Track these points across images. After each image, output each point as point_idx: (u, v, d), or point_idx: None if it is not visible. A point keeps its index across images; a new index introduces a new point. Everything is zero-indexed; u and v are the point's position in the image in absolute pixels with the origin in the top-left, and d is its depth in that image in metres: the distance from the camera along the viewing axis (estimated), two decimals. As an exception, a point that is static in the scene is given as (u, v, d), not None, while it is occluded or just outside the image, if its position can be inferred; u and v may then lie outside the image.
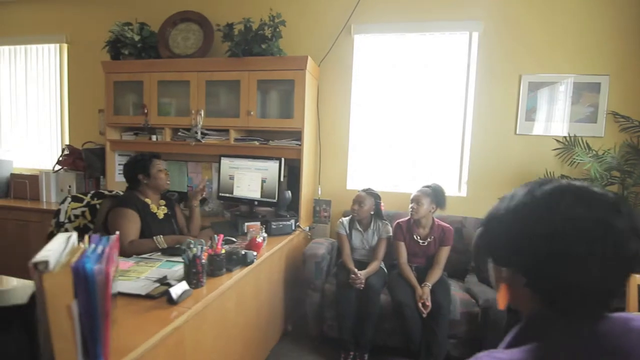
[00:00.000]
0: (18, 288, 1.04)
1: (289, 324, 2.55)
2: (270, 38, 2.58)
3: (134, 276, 1.43)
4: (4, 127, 3.74)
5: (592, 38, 2.54)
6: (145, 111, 2.85)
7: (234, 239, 2.11)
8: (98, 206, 2.16)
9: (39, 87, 3.59)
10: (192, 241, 1.45)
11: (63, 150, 3.25)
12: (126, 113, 3.01)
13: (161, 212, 2.07)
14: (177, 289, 1.29)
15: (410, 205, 2.31)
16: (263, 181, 2.48)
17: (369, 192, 2.44)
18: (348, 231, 2.49)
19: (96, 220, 2.13)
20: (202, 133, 2.76)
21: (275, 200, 2.43)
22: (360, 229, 2.47)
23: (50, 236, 1.92)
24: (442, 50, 2.79)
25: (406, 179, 2.91)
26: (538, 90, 2.64)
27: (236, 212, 2.65)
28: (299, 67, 2.55)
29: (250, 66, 2.62)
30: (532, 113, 2.67)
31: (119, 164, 3.14)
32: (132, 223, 1.85)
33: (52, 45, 3.51)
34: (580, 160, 2.43)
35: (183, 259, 1.43)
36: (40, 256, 0.76)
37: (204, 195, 2.34)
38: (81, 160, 3.18)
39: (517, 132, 2.70)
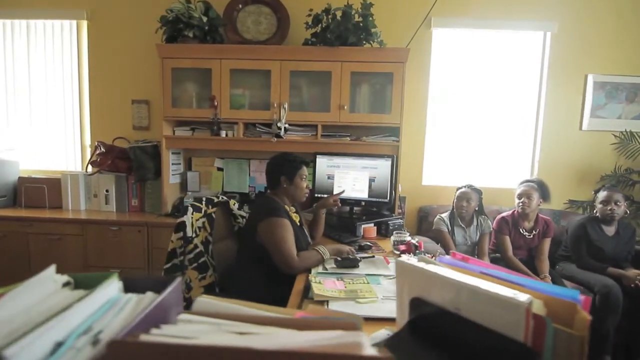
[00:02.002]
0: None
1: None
2: (364, 27, 2.42)
3: (370, 296, 1.26)
4: (5, 121, 3.03)
5: (647, 43, 2.81)
6: (215, 103, 2.52)
7: (368, 243, 1.97)
8: (214, 215, 1.87)
9: (49, 71, 2.96)
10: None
11: (95, 148, 2.74)
12: (186, 105, 2.63)
13: (296, 219, 1.86)
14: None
15: (521, 200, 2.37)
16: (371, 180, 2.35)
17: (474, 189, 2.46)
18: (450, 227, 2.48)
19: (214, 233, 1.84)
20: (284, 129, 2.52)
21: (387, 200, 2.32)
22: (462, 225, 2.48)
23: (172, 255, 1.63)
24: (517, 48, 2.87)
25: (479, 174, 2.97)
26: (601, 89, 2.86)
27: (344, 214, 2.44)
28: (399, 60, 2.44)
29: (344, 56, 2.44)
30: (596, 110, 2.89)
31: (173, 164, 2.75)
32: (291, 234, 1.63)
33: (67, 22, 2.91)
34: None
35: None
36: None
37: (338, 206, 2.12)
38: (123, 160, 2.72)
39: (583, 129, 2.91)
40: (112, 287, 0.52)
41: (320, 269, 1.57)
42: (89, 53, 2.94)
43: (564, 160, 2.92)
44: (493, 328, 0.72)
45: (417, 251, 1.73)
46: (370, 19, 2.43)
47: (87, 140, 3.05)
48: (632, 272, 2.21)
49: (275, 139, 2.53)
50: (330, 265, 1.60)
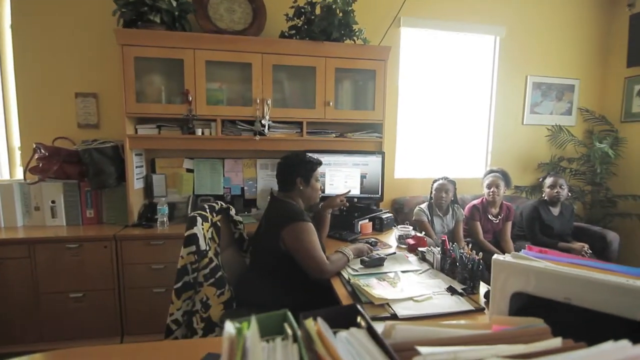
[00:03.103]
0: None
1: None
2: (345, 23, 2.41)
3: (423, 294, 1.28)
4: None
5: (570, 47, 3.31)
6: (190, 98, 2.28)
7: (374, 240, 2.00)
8: (219, 223, 1.71)
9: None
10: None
11: (34, 151, 2.27)
12: (153, 100, 2.32)
13: (308, 221, 1.79)
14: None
15: (491, 190, 2.62)
16: (363, 177, 2.37)
17: (450, 180, 2.64)
18: (430, 217, 2.64)
19: (221, 242, 1.69)
20: (268, 126, 2.40)
21: (378, 195, 2.37)
22: (440, 214, 2.66)
23: (183, 272, 1.46)
24: (473, 50, 3.14)
25: (442, 166, 3.20)
26: (538, 89, 3.30)
27: (334, 212, 2.39)
28: (381, 58, 2.49)
29: (329, 52, 2.40)
30: (534, 107, 3.32)
31: (136, 167, 2.42)
32: (317, 237, 1.57)
33: (-20, -6, 2.33)
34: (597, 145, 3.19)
35: (468, 264, 1.36)
36: None
37: (345, 206, 2.01)
38: (72, 164, 2.30)
39: (524, 123, 3.32)
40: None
41: (349, 270, 1.55)
42: (13, 35, 2.41)
43: (510, 151, 3.31)
44: (607, 312, 0.80)
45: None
46: (352, 15, 2.43)
47: (15, 142, 2.52)
48: (577, 244, 2.61)
49: (259, 137, 2.39)
50: (358, 266, 1.59)
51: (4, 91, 2.45)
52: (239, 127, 2.40)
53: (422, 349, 0.47)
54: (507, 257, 0.94)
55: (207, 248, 1.52)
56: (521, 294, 0.91)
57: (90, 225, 2.35)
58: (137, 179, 2.41)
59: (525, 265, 0.89)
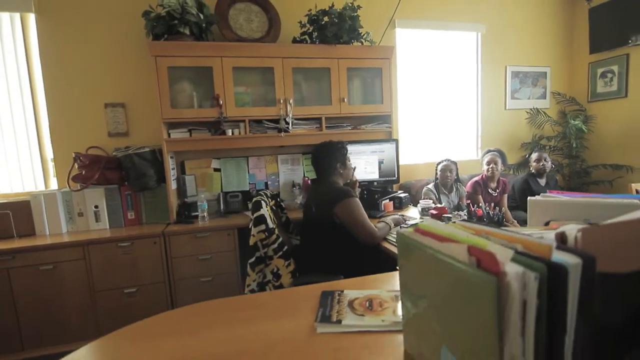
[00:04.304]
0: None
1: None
2: (351, 27, 2.69)
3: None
4: None
5: (541, 39, 3.75)
6: (220, 102, 2.49)
7: (401, 215, 2.29)
8: (274, 207, 1.94)
9: (-14, 74, 2.45)
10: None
11: (75, 160, 2.41)
12: (186, 105, 2.51)
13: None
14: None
15: (490, 166, 2.97)
16: (380, 162, 2.65)
17: (452, 161, 2.97)
18: (437, 195, 2.96)
19: (277, 219, 1.92)
20: (291, 123, 2.64)
21: (395, 178, 2.66)
22: (445, 192, 2.99)
23: (255, 249, 1.69)
24: (460, 45, 3.52)
25: (439, 150, 3.54)
26: (516, 77, 3.71)
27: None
28: (386, 56, 2.79)
29: (340, 54, 2.68)
30: (514, 93, 3.73)
31: (172, 168, 2.60)
32: (364, 210, 1.83)
33: (7, 15, 2.44)
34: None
35: (494, 217, 1.66)
36: None
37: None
38: (113, 170, 2.45)
39: (507, 108, 3.72)
40: None
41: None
42: (40, 52, 2.53)
43: (497, 133, 3.71)
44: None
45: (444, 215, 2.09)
46: (358, 20, 2.72)
47: (48, 154, 2.63)
48: None
49: (283, 134, 2.63)
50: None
51: (35, 106, 2.56)
52: (265, 125, 2.63)
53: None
54: (539, 197, 1.24)
55: (274, 226, 1.76)
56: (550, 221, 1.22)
57: (132, 226, 2.51)
58: (173, 179, 2.59)
59: (554, 199, 1.19)
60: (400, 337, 0.83)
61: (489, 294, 0.49)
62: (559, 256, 0.53)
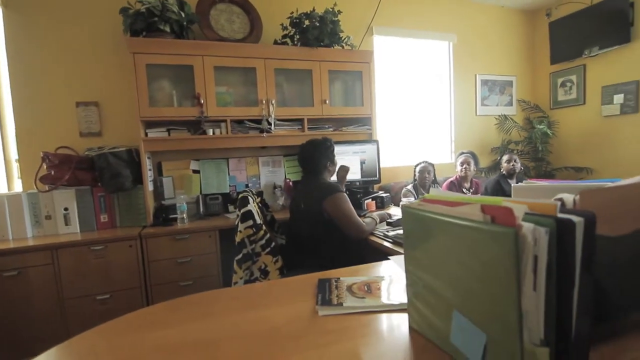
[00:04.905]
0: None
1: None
2: (332, 31, 2.75)
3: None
4: None
5: (507, 50, 3.99)
6: (201, 101, 2.45)
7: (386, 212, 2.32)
8: (260, 205, 1.92)
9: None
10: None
11: (43, 160, 2.27)
12: (165, 104, 2.45)
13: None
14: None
15: (463, 167, 3.09)
16: (362, 163, 2.69)
17: (429, 163, 3.07)
18: (416, 196, 3.04)
19: (262, 217, 1.90)
20: (274, 124, 2.64)
21: (376, 178, 2.71)
22: (424, 192, 3.07)
23: (242, 245, 1.66)
24: (433, 54, 3.67)
25: (416, 154, 3.65)
26: (485, 85, 3.92)
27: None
28: (366, 60, 2.86)
29: (322, 56, 2.72)
30: (483, 100, 3.92)
31: (149, 169, 2.51)
32: (351, 205, 1.85)
33: (-28, 6, 2.30)
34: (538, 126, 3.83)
35: None
36: None
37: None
38: (85, 171, 2.33)
39: (477, 114, 3.91)
40: None
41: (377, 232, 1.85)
42: (7, 47, 2.39)
43: (469, 138, 3.87)
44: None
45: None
46: (338, 24, 2.78)
47: (12, 154, 2.47)
48: None
49: (266, 134, 2.62)
50: (385, 227, 1.90)
51: (-1, 103, 2.41)
52: (247, 126, 2.61)
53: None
54: (522, 184, 1.31)
55: (261, 222, 1.73)
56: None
57: (105, 230, 2.38)
58: (149, 181, 2.50)
59: (537, 185, 1.26)
60: (403, 316, 0.84)
61: (508, 247, 0.51)
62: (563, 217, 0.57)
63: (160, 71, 2.42)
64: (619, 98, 3.40)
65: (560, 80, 3.88)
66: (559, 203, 0.58)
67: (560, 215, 0.57)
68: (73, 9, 2.50)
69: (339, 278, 1.11)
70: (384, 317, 0.86)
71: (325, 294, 0.99)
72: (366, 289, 1.01)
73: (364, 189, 2.79)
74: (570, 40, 3.66)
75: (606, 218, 0.69)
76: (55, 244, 2.09)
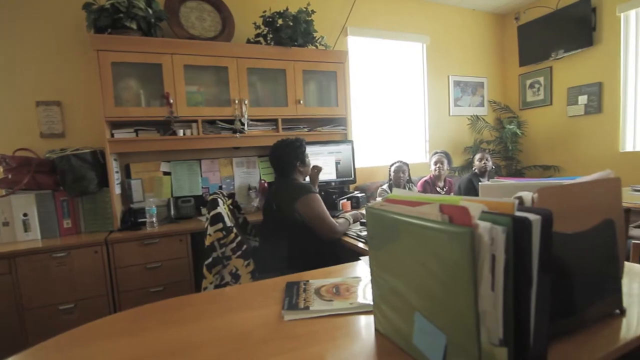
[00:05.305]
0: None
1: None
2: (306, 31, 2.73)
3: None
4: None
5: (478, 52, 4.09)
6: (171, 101, 2.37)
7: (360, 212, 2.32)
8: (231, 207, 1.88)
9: None
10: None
11: (0, 163, 2.13)
12: (132, 104, 2.36)
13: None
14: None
15: (437, 166, 3.14)
16: (337, 163, 2.68)
17: (404, 162, 3.09)
18: (392, 196, 3.06)
19: (234, 219, 1.86)
20: (247, 124, 2.59)
21: (351, 178, 2.70)
22: (399, 193, 3.09)
23: (212, 249, 1.62)
24: (407, 55, 3.71)
25: (391, 153, 3.68)
26: (458, 86, 4.00)
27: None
28: (340, 60, 2.86)
29: (296, 56, 2.69)
30: (456, 101, 4.00)
31: (116, 172, 2.41)
32: (324, 206, 1.83)
33: None
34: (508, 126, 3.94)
35: None
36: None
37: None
38: (45, 174, 2.21)
39: (450, 115, 3.98)
40: None
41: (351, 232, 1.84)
42: (-42, 42, 2.24)
43: (442, 138, 3.94)
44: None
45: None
46: (312, 24, 2.76)
47: (-35, 157, 2.31)
48: None
49: (239, 135, 2.57)
50: (359, 227, 1.89)
51: (-51, 102, 2.25)
52: (219, 126, 2.55)
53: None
54: (489, 182, 1.33)
55: (232, 224, 1.69)
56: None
57: (69, 236, 2.27)
58: (116, 184, 2.40)
59: (503, 183, 1.28)
60: (370, 318, 0.83)
61: (464, 246, 0.50)
62: (520, 215, 0.57)
63: (127, 70, 2.33)
64: (583, 99, 3.54)
65: (528, 82, 4.01)
66: (516, 201, 0.57)
67: (518, 213, 0.57)
68: (33, 2, 2.36)
69: (308, 281, 1.09)
70: (352, 320, 0.84)
71: (292, 297, 0.96)
72: (334, 291, 0.99)
73: (340, 189, 2.78)
74: (537, 43, 3.79)
75: (564, 215, 0.70)
76: (13, 252, 1.96)
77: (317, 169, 2.20)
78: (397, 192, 0.70)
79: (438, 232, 0.54)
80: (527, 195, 0.68)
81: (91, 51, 2.21)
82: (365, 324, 0.81)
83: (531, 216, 0.55)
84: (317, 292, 0.99)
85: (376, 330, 0.78)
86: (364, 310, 0.87)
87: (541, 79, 3.88)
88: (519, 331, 0.56)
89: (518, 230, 0.53)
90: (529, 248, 0.54)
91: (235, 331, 0.82)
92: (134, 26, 2.25)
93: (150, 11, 2.30)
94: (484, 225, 0.52)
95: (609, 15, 3.29)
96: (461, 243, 0.51)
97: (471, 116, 4.05)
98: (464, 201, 0.54)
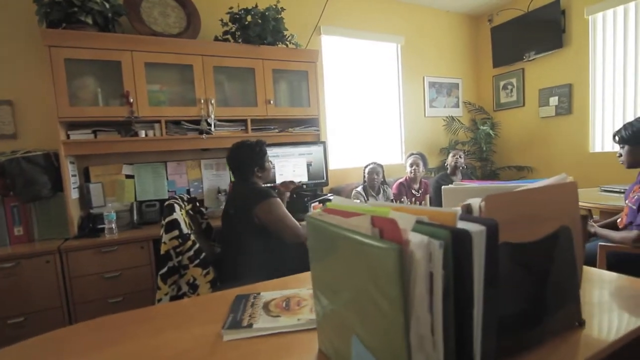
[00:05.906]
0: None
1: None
2: (275, 29, 2.65)
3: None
4: None
5: (453, 53, 4.10)
6: (131, 100, 2.25)
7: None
8: (191, 212, 1.78)
9: None
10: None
11: (-61, 166, 1.97)
12: (89, 103, 2.22)
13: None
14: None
15: (412, 168, 3.11)
16: (309, 165, 2.61)
17: (378, 164, 3.05)
18: (366, 198, 3.01)
19: (195, 225, 1.76)
20: (214, 124, 2.49)
21: (324, 180, 2.64)
22: (373, 194, 3.05)
23: (167, 258, 1.52)
24: (383, 55, 3.68)
25: (366, 155, 3.63)
26: (433, 87, 4.00)
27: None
28: (312, 60, 2.79)
29: (265, 54, 2.61)
30: (432, 102, 4.00)
31: (73, 175, 2.27)
32: (285, 209, 1.76)
33: None
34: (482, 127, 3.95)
35: None
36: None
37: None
38: (-7, 178, 2.06)
39: (426, 116, 3.98)
40: None
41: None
42: None
43: (418, 139, 3.93)
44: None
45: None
46: (282, 22, 2.68)
47: None
48: None
49: (205, 136, 2.46)
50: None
51: None
52: (184, 127, 2.44)
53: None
54: (451, 186, 1.29)
55: (189, 231, 1.59)
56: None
57: (20, 244, 2.11)
58: (72, 188, 2.25)
59: (465, 186, 1.24)
60: (315, 336, 0.76)
61: (391, 265, 0.44)
62: (463, 226, 0.51)
63: (83, 67, 2.20)
64: (554, 100, 3.59)
65: (502, 83, 4.05)
66: (458, 211, 0.52)
67: (460, 224, 0.51)
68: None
69: (259, 293, 1.01)
70: (297, 338, 0.77)
71: (237, 313, 0.88)
72: (284, 305, 0.92)
73: (312, 191, 2.71)
74: (510, 45, 3.83)
75: (515, 224, 0.65)
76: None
77: (286, 186, 2.13)
78: (337, 201, 0.64)
79: (369, 247, 0.48)
80: (476, 203, 0.63)
81: (44, 47, 2.07)
82: (309, 344, 0.74)
83: (474, 227, 0.50)
84: (266, 306, 0.92)
85: (319, 350, 0.71)
86: (310, 327, 0.80)
87: (514, 80, 3.92)
88: (464, 354, 0.51)
89: (457, 244, 0.47)
90: (470, 263, 0.48)
91: (167, 353, 0.73)
92: (90, 21, 2.12)
93: (108, 5, 2.17)
94: (420, 240, 0.46)
95: (577, 18, 3.35)
96: (389, 259, 0.44)
97: (446, 117, 4.05)
98: (395, 212, 0.48)
